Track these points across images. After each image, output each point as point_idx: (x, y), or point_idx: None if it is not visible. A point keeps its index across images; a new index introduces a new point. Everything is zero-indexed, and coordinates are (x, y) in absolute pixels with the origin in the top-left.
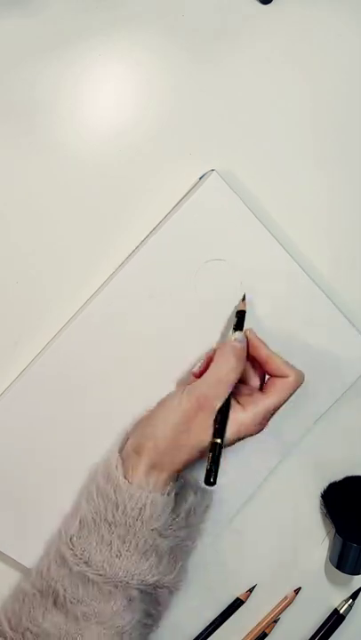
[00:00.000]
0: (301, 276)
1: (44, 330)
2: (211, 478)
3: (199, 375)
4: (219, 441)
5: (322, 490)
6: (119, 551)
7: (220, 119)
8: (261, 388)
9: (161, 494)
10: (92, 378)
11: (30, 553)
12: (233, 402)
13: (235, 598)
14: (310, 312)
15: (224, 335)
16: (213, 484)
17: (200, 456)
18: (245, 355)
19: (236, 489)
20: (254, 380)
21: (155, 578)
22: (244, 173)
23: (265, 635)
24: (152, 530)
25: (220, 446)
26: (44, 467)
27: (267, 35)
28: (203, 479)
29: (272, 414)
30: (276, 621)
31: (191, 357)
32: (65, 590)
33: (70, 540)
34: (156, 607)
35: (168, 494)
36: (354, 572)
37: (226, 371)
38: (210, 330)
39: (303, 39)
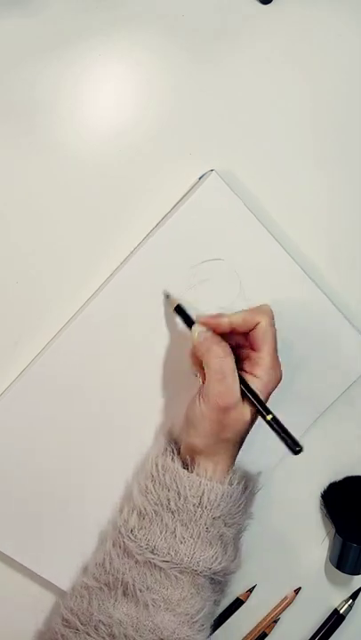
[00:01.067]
0: (301, 275)
1: (44, 330)
2: (295, 447)
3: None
4: (270, 417)
5: (322, 490)
6: (183, 537)
7: (219, 119)
8: (250, 345)
9: (221, 483)
10: (92, 378)
11: (28, 548)
12: (244, 374)
13: (235, 598)
14: (310, 312)
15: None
16: (300, 449)
17: (247, 433)
18: (219, 336)
19: None
20: (240, 339)
21: (221, 565)
22: (243, 173)
23: (265, 635)
24: (215, 518)
25: (276, 418)
26: (43, 467)
27: (267, 35)
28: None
29: (277, 358)
30: (276, 621)
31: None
32: (134, 580)
33: (132, 532)
34: (222, 595)
35: (229, 483)
36: (354, 572)
37: (219, 362)
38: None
39: (303, 39)
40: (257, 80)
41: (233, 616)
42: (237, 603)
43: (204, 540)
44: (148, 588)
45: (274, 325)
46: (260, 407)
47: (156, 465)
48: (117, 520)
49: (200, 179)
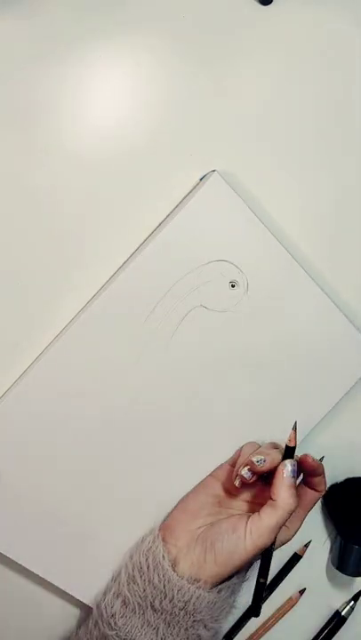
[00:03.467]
0: (303, 276)
1: (44, 331)
2: (257, 612)
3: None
4: (262, 580)
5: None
6: (164, 635)
7: (220, 120)
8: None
9: (209, 592)
10: (93, 380)
11: (31, 553)
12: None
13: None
14: (311, 312)
15: (228, 340)
16: (258, 615)
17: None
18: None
19: None
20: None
21: None
22: (245, 174)
23: None
24: (195, 621)
25: (265, 585)
26: (43, 470)
27: (267, 36)
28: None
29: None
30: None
31: (194, 358)
32: None
33: (112, 618)
34: None
35: (218, 592)
36: (355, 574)
37: (287, 516)
38: (213, 330)
39: (304, 40)
40: (258, 80)
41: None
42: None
43: (183, 638)
44: None
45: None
46: (265, 565)
47: (147, 558)
48: (100, 602)
49: (202, 179)
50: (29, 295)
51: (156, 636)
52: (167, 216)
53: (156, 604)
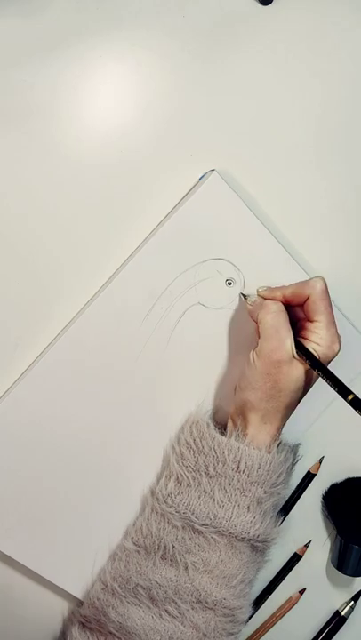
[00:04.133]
0: (301, 275)
1: (45, 331)
2: (348, 394)
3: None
4: (351, 397)
5: (323, 491)
6: (221, 501)
7: (220, 119)
8: (305, 316)
9: (259, 449)
10: (92, 379)
11: (37, 552)
12: (305, 341)
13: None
14: None
15: (225, 337)
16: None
17: (301, 396)
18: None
19: None
20: (299, 312)
21: (258, 531)
22: (244, 173)
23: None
24: (252, 483)
25: (358, 399)
26: (43, 470)
27: (267, 35)
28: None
29: (334, 328)
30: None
31: (192, 355)
32: (172, 544)
33: (169, 497)
34: (263, 561)
35: (268, 452)
36: (355, 574)
37: (271, 317)
38: (211, 328)
39: (304, 39)
40: (257, 80)
41: None
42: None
43: (242, 504)
44: (186, 551)
45: (327, 297)
46: (338, 386)
47: (191, 432)
48: (155, 488)
49: (201, 179)
50: (29, 295)
51: (214, 502)
52: (167, 215)
53: (210, 470)
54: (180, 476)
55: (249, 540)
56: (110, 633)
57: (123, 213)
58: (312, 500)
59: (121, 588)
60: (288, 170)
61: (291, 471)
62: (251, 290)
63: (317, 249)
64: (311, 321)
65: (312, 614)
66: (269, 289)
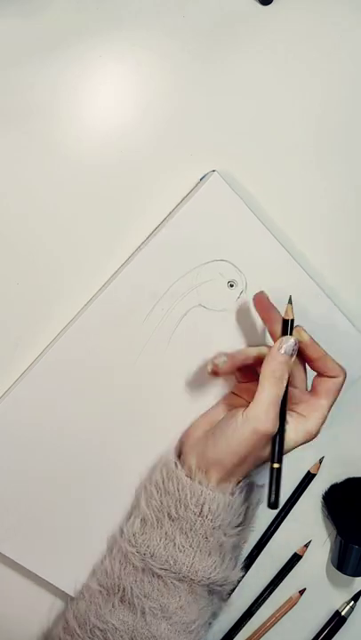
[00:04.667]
0: (303, 276)
1: (45, 331)
2: (274, 502)
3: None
4: (277, 466)
5: (323, 491)
6: (182, 546)
7: (221, 120)
8: (312, 390)
9: (222, 493)
10: (93, 379)
11: (29, 551)
12: (289, 412)
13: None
14: (311, 312)
15: (226, 340)
16: (276, 507)
17: (266, 461)
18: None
19: None
20: (299, 381)
21: (219, 575)
22: (245, 174)
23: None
24: (214, 528)
25: (280, 470)
26: (43, 470)
27: (268, 35)
28: (265, 501)
29: (326, 416)
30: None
31: (193, 357)
32: (131, 587)
33: (133, 536)
34: (220, 606)
35: (231, 494)
36: (355, 574)
37: (281, 388)
38: (211, 330)
39: (304, 39)
40: (258, 80)
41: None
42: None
43: (204, 549)
44: (145, 596)
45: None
46: (277, 449)
47: (161, 471)
48: (124, 525)
49: (202, 179)
50: (29, 295)
51: (174, 546)
52: (167, 216)
53: (173, 512)
54: (145, 516)
55: (209, 584)
56: None
57: (123, 214)
58: (312, 500)
59: (80, 628)
60: (289, 170)
61: (253, 510)
62: (252, 294)
63: (318, 249)
64: (317, 397)
65: (312, 614)
66: (312, 340)
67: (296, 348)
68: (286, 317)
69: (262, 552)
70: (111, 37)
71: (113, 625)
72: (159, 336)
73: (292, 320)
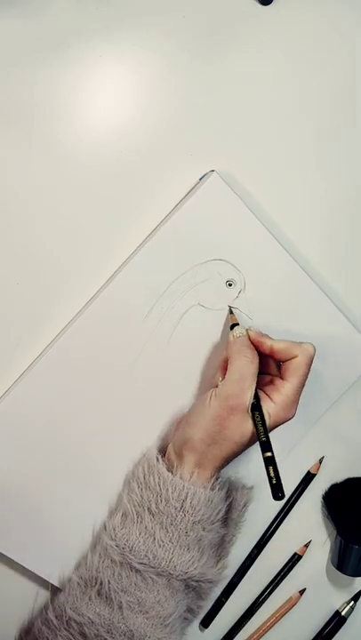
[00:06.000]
0: (302, 275)
1: (45, 331)
2: (279, 493)
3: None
4: (270, 454)
5: (323, 491)
6: (162, 541)
7: (220, 120)
8: (280, 373)
9: (203, 487)
10: (93, 379)
11: (30, 551)
12: (262, 397)
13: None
14: (311, 312)
15: (223, 341)
16: (283, 497)
17: (240, 451)
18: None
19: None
20: (272, 368)
21: (197, 571)
22: (244, 174)
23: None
24: (195, 523)
25: (273, 459)
26: (43, 470)
27: (267, 35)
28: (248, 483)
29: (298, 395)
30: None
31: (193, 356)
32: (109, 580)
33: (113, 530)
34: (197, 602)
35: (211, 489)
36: (355, 574)
37: (243, 364)
38: (211, 329)
39: (304, 40)
40: (258, 80)
41: (238, 616)
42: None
43: (183, 544)
44: (122, 590)
45: (309, 367)
46: (264, 439)
47: (143, 466)
48: (106, 520)
49: (201, 179)
50: (29, 295)
51: (154, 541)
52: (167, 215)
53: (153, 507)
54: (126, 510)
55: (187, 579)
56: None
57: (122, 214)
58: (312, 500)
59: (57, 620)
60: (288, 170)
61: (237, 508)
62: (252, 296)
63: (317, 249)
64: (283, 379)
65: (312, 614)
66: (259, 333)
67: (244, 331)
68: (233, 323)
69: (262, 552)
70: (111, 37)
71: (89, 618)
72: (159, 335)
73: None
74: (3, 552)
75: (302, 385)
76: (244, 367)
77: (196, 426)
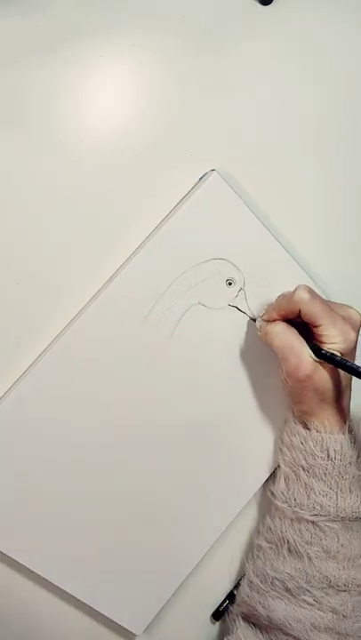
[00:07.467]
0: (301, 274)
1: (45, 331)
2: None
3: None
4: (324, 351)
5: None
6: (323, 490)
7: (220, 119)
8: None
9: (343, 433)
10: (93, 379)
11: (32, 552)
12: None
13: None
14: None
15: (226, 337)
16: None
17: (345, 386)
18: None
19: (235, 492)
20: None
21: None
22: (244, 173)
23: None
24: (345, 465)
25: (333, 354)
26: (44, 470)
27: (267, 35)
28: None
29: (334, 322)
30: None
31: (193, 355)
32: (293, 538)
33: (282, 494)
34: None
35: (349, 432)
36: None
37: (279, 339)
38: (211, 328)
39: (304, 39)
40: (258, 80)
41: None
42: None
43: (343, 487)
44: (307, 542)
45: (317, 301)
46: (313, 345)
47: (286, 432)
48: (272, 486)
49: (201, 179)
50: (29, 295)
51: (315, 493)
52: (167, 215)
53: (304, 463)
54: (285, 473)
55: (359, 517)
56: (266, 625)
57: (122, 213)
58: None
59: (262, 583)
60: (288, 169)
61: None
62: (252, 296)
63: (318, 249)
64: (315, 326)
65: None
66: (267, 312)
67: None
68: (251, 317)
69: None
70: (111, 37)
71: (288, 574)
72: (159, 334)
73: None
74: (3, 552)
75: (330, 312)
76: (283, 340)
77: (297, 402)
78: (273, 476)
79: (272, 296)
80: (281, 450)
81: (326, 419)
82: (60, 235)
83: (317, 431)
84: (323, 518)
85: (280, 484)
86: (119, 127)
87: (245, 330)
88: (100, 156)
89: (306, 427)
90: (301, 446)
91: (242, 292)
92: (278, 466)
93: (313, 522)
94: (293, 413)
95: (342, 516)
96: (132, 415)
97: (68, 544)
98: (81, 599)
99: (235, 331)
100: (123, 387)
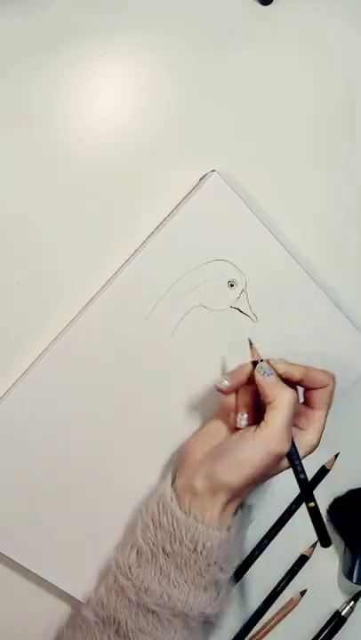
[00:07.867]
0: (302, 275)
1: (45, 331)
2: (326, 542)
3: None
4: (312, 505)
5: (327, 504)
6: (177, 581)
7: (220, 120)
8: (305, 402)
9: (218, 529)
10: (93, 379)
11: (31, 552)
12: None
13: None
14: (311, 312)
15: (227, 339)
16: (330, 544)
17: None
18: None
19: None
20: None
21: (214, 610)
22: (245, 174)
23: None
24: (209, 565)
25: (318, 508)
26: (43, 471)
27: (267, 35)
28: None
29: (324, 425)
30: None
31: (194, 356)
32: (126, 620)
33: (129, 569)
34: (212, 633)
35: (228, 529)
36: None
37: (293, 409)
38: (211, 331)
39: (304, 39)
40: (258, 80)
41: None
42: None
43: (199, 584)
44: (140, 630)
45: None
46: (306, 489)
47: (157, 504)
48: (119, 555)
49: (201, 179)
50: (29, 295)
51: (169, 581)
52: (167, 216)
53: (167, 547)
54: (140, 548)
55: (205, 620)
56: None
57: (123, 214)
58: (318, 501)
59: None
60: (288, 170)
61: (244, 535)
62: (253, 296)
63: (318, 249)
64: (314, 409)
65: (312, 614)
66: (287, 364)
67: (269, 367)
68: (254, 360)
69: (263, 553)
70: (111, 37)
71: None
72: (160, 335)
73: (261, 360)
74: (3, 552)
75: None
76: (287, 412)
77: (237, 472)
78: (122, 542)
79: (273, 297)
80: (142, 517)
81: (220, 508)
82: (61, 235)
83: (195, 519)
84: (166, 610)
85: (131, 557)
86: (119, 127)
87: (246, 332)
88: (99, 156)
89: (182, 508)
90: (171, 529)
91: (244, 293)
92: (133, 532)
93: (154, 611)
94: (173, 482)
95: (187, 613)
96: (132, 415)
97: (68, 544)
98: (81, 600)
99: (235, 332)
100: (123, 387)
